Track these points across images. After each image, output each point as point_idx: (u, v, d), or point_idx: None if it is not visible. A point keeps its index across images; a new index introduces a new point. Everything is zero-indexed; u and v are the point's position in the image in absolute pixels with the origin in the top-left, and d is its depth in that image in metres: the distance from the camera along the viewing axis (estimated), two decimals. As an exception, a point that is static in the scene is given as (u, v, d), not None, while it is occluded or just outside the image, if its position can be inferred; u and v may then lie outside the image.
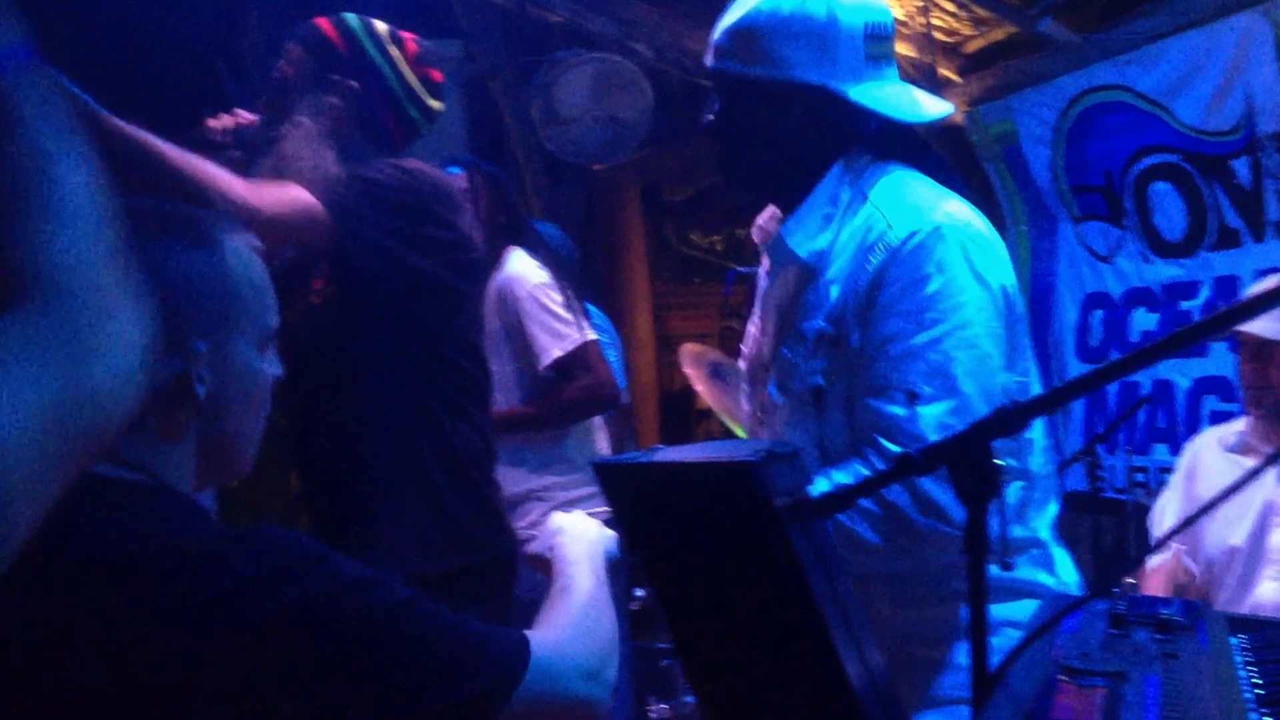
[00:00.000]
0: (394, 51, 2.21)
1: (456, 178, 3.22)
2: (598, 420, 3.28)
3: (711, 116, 1.71)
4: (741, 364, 1.87)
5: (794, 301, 1.67)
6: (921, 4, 4.21)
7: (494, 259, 3.16)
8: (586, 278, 4.02)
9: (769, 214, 1.82)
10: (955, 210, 1.59)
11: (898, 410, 1.48)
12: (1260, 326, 2.51)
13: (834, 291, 1.60)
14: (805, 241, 1.64)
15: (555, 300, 3.08)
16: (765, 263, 1.82)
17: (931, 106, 1.69)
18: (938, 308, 1.51)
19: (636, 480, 1.08)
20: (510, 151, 5.07)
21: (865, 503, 1.47)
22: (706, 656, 1.11)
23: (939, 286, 1.51)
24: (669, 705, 3.41)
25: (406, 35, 2.26)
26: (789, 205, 1.72)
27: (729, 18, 1.67)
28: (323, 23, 2.20)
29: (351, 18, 2.22)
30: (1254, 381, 2.61)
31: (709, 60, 1.70)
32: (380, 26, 2.23)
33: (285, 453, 2.34)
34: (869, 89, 1.63)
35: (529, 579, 3.02)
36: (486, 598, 2.24)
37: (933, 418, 1.47)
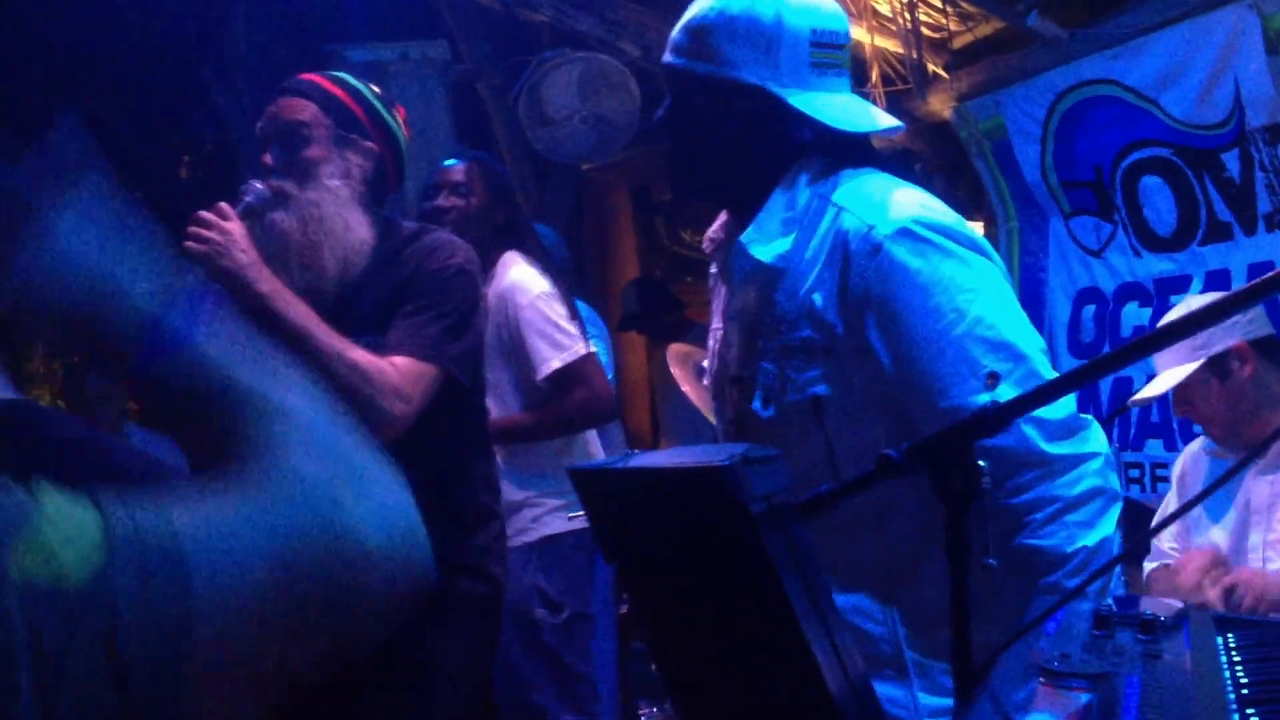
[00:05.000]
0: (395, 114, 2.30)
1: (453, 170, 3.20)
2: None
3: (662, 112, 1.72)
4: (706, 380, 1.84)
5: (762, 312, 1.64)
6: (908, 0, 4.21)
7: (487, 259, 3.11)
8: (577, 278, 3.99)
9: (719, 223, 1.81)
10: (926, 199, 1.61)
11: (982, 398, 1.44)
12: (1155, 389, 2.63)
13: (817, 299, 1.58)
14: (768, 247, 1.61)
15: (558, 311, 3.06)
16: (718, 272, 1.81)
17: (876, 119, 1.68)
18: (963, 289, 1.51)
19: (613, 486, 1.07)
20: (498, 152, 5.07)
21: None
22: (685, 662, 1.10)
23: (952, 270, 1.52)
24: (659, 709, 3.40)
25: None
26: (739, 210, 1.71)
27: (687, 15, 1.68)
28: (328, 84, 2.23)
29: (351, 80, 2.28)
30: (1194, 419, 2.68)
31: (665, 56, 1.71)
32: (376, 90, 2.31)
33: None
34: (812, 96, 1.62)
35: (516, 582, 3.03)
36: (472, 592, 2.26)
37: (1016, 389, 1.46)
